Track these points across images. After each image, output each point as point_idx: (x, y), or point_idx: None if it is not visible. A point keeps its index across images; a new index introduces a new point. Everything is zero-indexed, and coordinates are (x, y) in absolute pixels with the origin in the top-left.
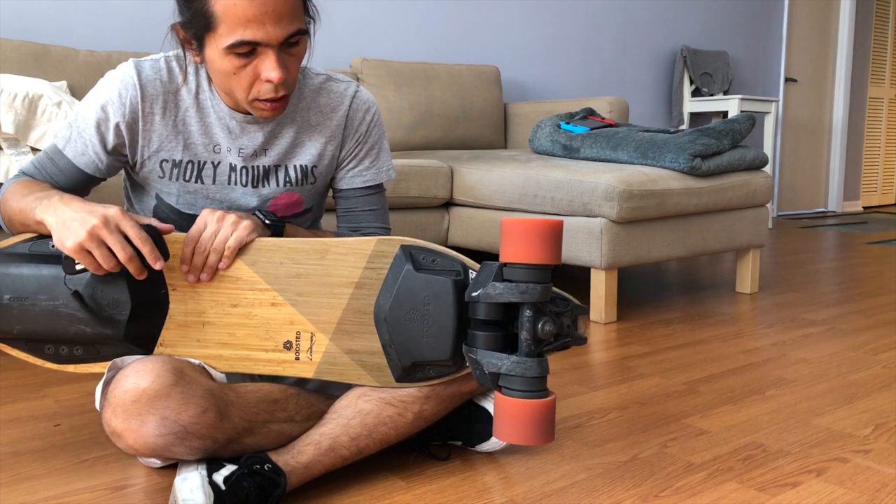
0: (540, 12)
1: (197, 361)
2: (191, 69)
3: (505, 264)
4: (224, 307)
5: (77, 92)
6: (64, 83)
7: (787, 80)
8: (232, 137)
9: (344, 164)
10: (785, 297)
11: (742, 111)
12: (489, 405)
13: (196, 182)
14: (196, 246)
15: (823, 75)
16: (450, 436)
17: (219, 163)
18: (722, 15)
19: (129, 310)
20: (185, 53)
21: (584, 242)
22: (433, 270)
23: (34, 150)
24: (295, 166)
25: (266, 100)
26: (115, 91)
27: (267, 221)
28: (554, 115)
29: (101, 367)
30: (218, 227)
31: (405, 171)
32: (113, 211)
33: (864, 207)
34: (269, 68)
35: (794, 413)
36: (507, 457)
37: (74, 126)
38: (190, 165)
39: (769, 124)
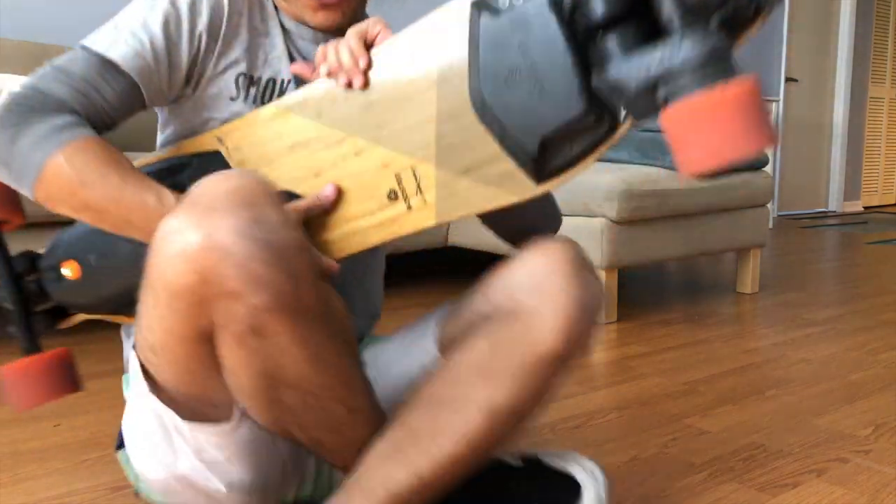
0: None
1: None
2: None
3: None
4: (307, 182)
5: None
6: None
7: (787, 80)
8: (306, 56)
9: None
10: (785, 297)
11: None
12: (575, 470)
13: None
14: (326, 52)
15: (824, 75)
16: None
17: (290, 79)
18: None
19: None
20: None
21: (585, 242)
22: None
23: None
24: None
25: None
26: None
27: None
28: None
29: None
30: (338, 43)
31: None
32: None
33: (865, 207)
34: None
35: (795, 413)
36: None
37: (125, 27)
38: (271, 84)
39: None
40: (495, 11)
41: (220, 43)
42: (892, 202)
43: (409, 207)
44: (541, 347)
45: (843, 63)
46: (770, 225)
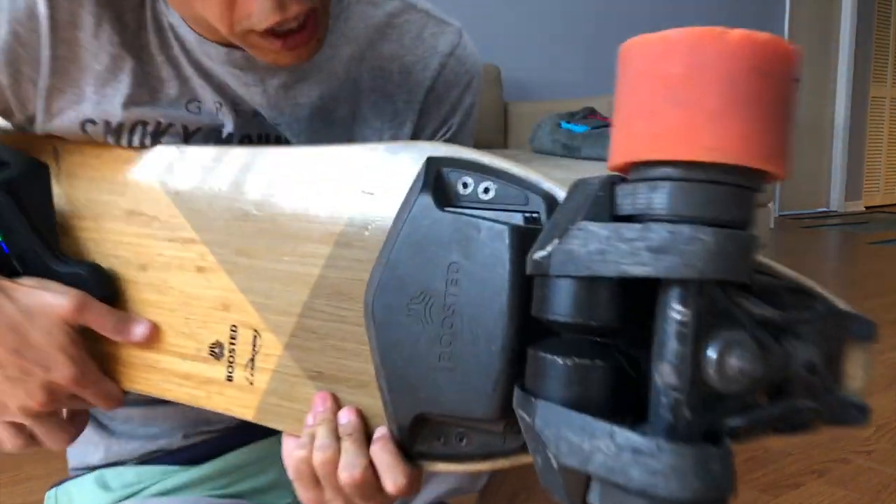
0: (541, 10)
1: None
2: None
3: (625, 173)
4: (128, 271)
5: None
6: None
7: None
8: (220, 88)
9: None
10: None
11: None
12: None
13: None
14: None
15: (825, 75)
16: None
17: (196, 130)
18: (723, 14)
19: None
20: None
21: None
22: (478, 207)
23: None
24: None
25: (269, 31)
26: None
27: None
28: (554, 114)
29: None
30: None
31: None
32: (66, 370)
33: (867, 207)
34: None
35: None
36: None
37: None
38: (139, 129)
39: None
40: (443, 197)
41: (41, 70)
42: (894, 202)
43: (230, 379)
44: None
45: (843, 62)
46: (770, 225)
